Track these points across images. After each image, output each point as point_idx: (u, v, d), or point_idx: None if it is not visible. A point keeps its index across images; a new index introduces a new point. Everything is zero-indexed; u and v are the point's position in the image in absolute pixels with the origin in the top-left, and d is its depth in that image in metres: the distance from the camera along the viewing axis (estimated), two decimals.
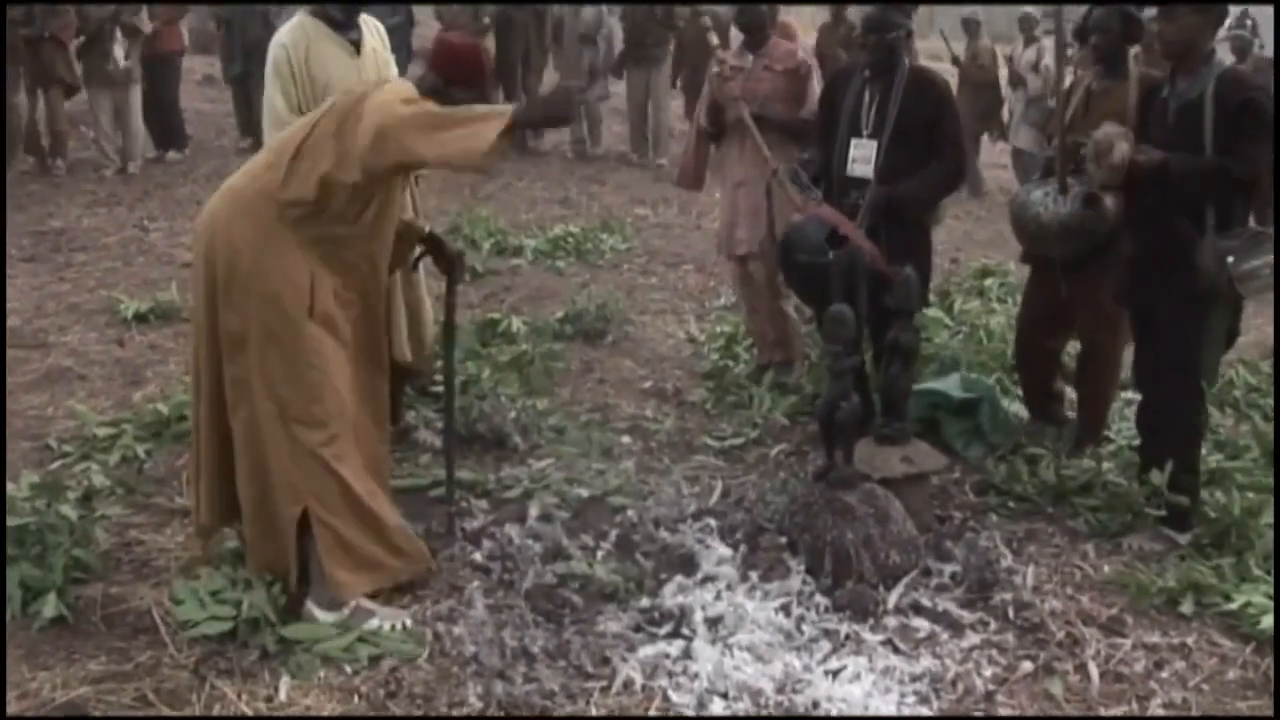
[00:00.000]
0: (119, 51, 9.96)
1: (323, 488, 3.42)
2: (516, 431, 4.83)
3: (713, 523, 4.13)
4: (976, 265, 7.81)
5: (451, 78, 3.58)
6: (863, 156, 4.67)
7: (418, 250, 3.96)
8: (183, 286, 6.64)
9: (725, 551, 3.91)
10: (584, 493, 4.35)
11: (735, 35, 5.93)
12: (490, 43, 11.62)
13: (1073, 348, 5.18)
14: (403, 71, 10.46)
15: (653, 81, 11.45)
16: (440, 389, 4.66)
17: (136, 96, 10.43)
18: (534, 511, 4.20)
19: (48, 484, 4.09)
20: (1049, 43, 11.36)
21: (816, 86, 5.26)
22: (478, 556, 3.88)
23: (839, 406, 3.99)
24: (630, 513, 4.20)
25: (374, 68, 4.43)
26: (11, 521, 3.65)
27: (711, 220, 9.46)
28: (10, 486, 4.01)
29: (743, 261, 5.54)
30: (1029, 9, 11.71)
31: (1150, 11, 4.76)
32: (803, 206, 4.66)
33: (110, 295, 6.80)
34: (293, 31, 4.37)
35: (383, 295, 3.69)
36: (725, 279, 7.48)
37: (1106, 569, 3.98)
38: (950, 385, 5.09)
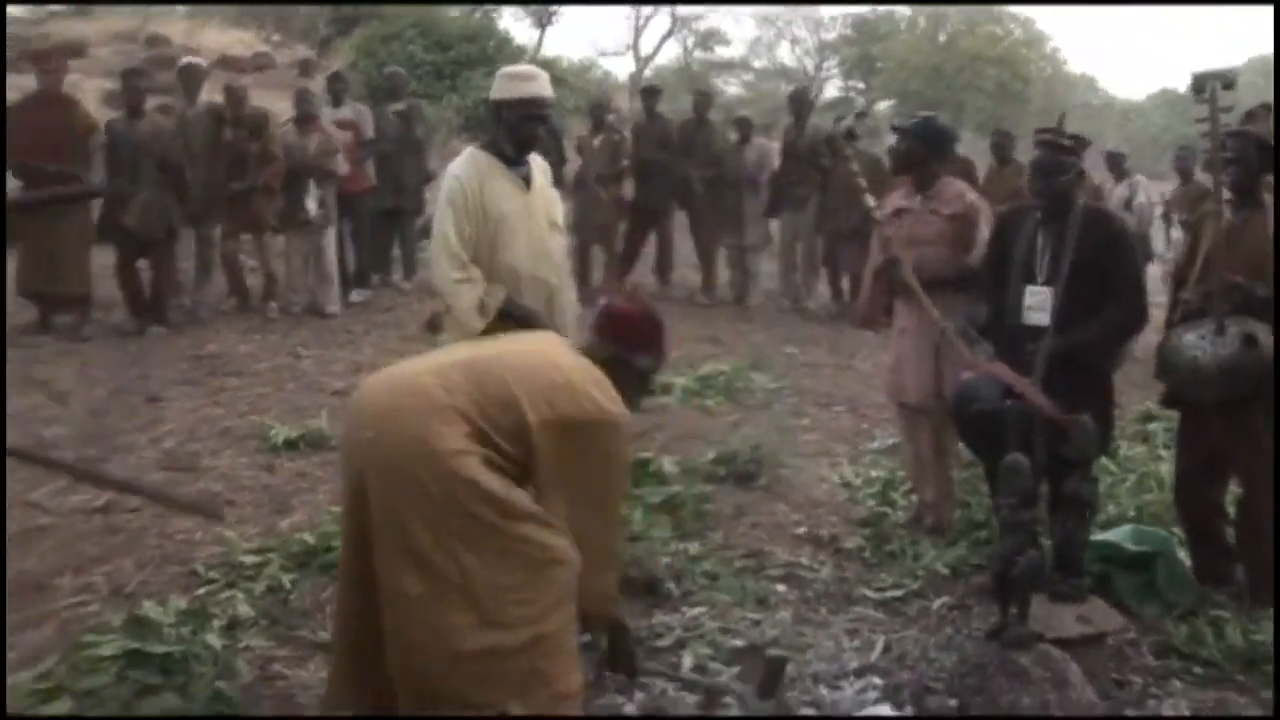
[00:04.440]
0: (311, 201, 10.24)
1: None
2: (669, 576, 4.69)
3: (876, 680, 3.91)
4: (1139, 409, 7.47)
5: (632, 347, 3.52)
6: (1038, 304, 4.50)
7: None
8: (332, 415, 6.72)
9: (891, 713, 3.69)
10: (739, 643, 4.17)
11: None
12: (629, 188, 11.74)
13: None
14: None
15: (800, 222, 11.40)
16: None
17: (330, 240, 10.55)
18: (688, 662, 4.03)
19: (194, 611, 4.08)
20: (1142, 179, 11.09)
21: (985, 230, 5.11)
22: (630, 709, 3.72)
23: (1014, 561, 3.79)
24: (789, 666, 4.00)
25: (543, 204, 4.46)
26: (158, 648, 3.64)
27: (862, 359, 9.34)
28: (158, 611, 4.00)
29: (910, 410, 5.37)
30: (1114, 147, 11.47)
31: None
32: (974, 364, 4.50)
33: (261, 421, 6.90)
34: (466, 165, 4.43)
35: None
36: (878, 421, 7.32)
37: None
38: (1122, 537, 4.82)
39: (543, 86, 4.41)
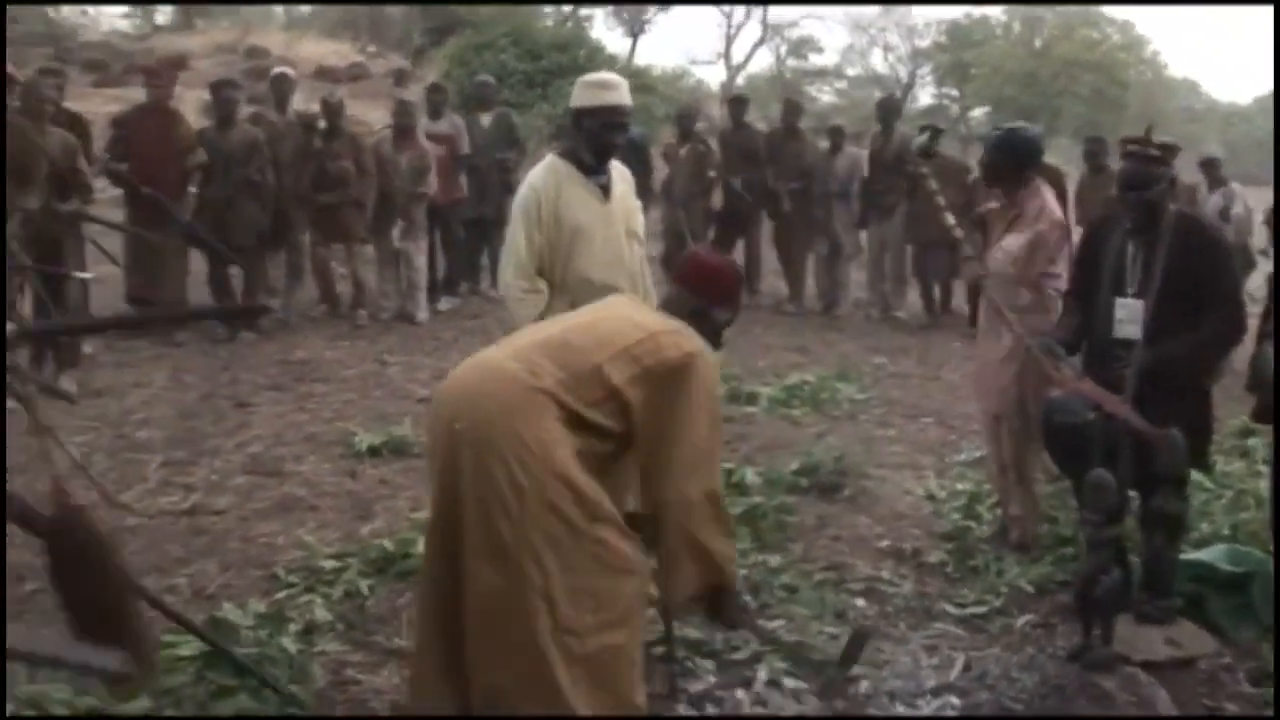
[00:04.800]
0: (395, 233, 10.37)
1: None
2: (746, 589, 4.62)
3: (954, 700, 3.82)
4: (1236, 423, 7.23)
5: (711, 299, 3.57)
6: (1129, 317, 4.36)
7: None
8: (416, 422, 6.76)
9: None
10: (816, 657, 4.10)
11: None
12: (716, 197, 11.68)
13: None
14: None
15: (888, 232, 11.28)
16: None
17: (420, 249, 10.66)
18: (762, 676, 3.97)
19: (272, 614, 4.12)
20: (1237, 187, 10.74)
21: (1069, 243, 4.99)
22: None
23: (1097, 580, 3.69)
24: (865, 683, 3.94)
25: (622, 214, 4.44)
26: (235, 650, 3.69)
27: (951, 370, 9.20)
28: (237, 613, 4.07)
29: (994, 416, 5.27)
30: (1213, 152, 11.12)
31: None
32: (1060, 381, 4.38)
33: (346, 427, 6.97)
34: (543, 174, 4.42)
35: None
36: (966, 433, 7.19)
37: None
38: (1217, 556, 4.64)
39: (622, 94, 4.39)
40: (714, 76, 42.33)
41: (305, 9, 32.17)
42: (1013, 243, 5.03)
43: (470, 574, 3.20)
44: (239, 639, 3.85)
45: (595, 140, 4.34)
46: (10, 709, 3.50)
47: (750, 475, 5.96)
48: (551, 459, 3.15)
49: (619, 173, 4.50)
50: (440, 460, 3.30)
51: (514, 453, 3.13)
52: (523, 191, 4.39)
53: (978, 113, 41.20)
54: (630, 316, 3.51)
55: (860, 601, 4.69)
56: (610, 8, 35.87)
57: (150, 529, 5.26)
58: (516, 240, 4.37)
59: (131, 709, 3.50)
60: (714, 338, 3.66)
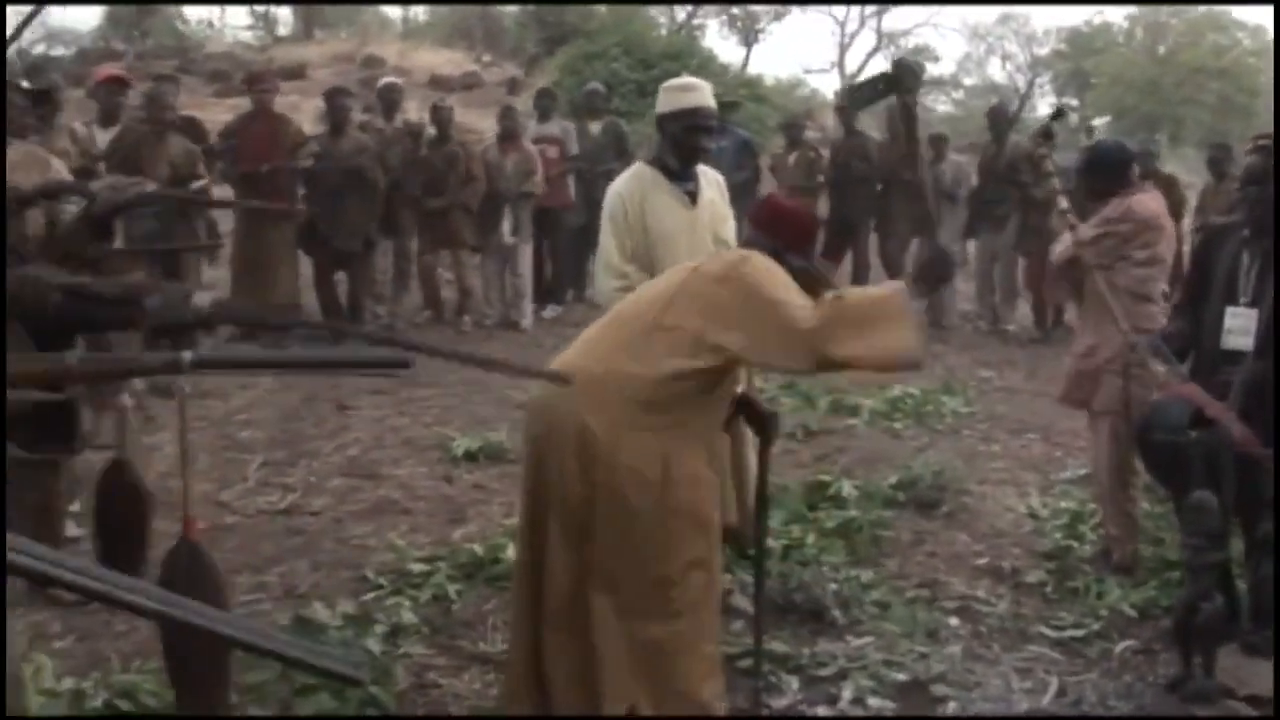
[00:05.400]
0: (506, 226, 10.43)
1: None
2: (836, 604, 4.53)
3: None
4: None
5: (787, 242, 3.46)
6: (1240, 327, 4.18)
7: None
8: (513, 428, 6.77)
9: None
10: (903, 677, 4.01)
11: None
12: (824, 207, 11.55)
13: None
14: (745, 228, 10.59)
15: (998, 242, 11.04)
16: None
17: (526, 256, 10.73)
18: (847, 694, 3.90)
19: (358, 615, 4.15)
20: None
21: (1166, 250, 4.81)
22: None
23: (1198, 608, 3.53)
24: (953, 704, 3.83)
25: (709, 220, 4.38)
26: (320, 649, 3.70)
27: (1060, 386, 8.93)
28: (325, 613, 4.12)
29: (1093, 418, 5.11)
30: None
31: None
32: (1164, 383, 4.22)
33: (444, 432, 7.01)
34: (629, 180, 4.39)
35: (720, 470, 3.54)
36: (1072, 450, 6.99)
37: None
38: None
39: (704, 97, 4.33)
40: (828, 86, 42.07)
41: (421, 18, 32.65)
42: (1085, 231, 4.89)
43: (549, 572, 3.24)
44: (326, 638, 3.88)
45: (679, 145, 4.29)
46: (103, 697, 3.58)
47: (847, 488, 5.87)
48: (620, 447, 3.16)
49: (709, 178, 4.45)
50: (528, 466, 3.38)
51: (585, 445, 3.17)
52: (609, 199, 4.36)
53: (1098, 122, 40.27)
54: (680, 266, 3.51)
55: (953, 620, 4.57)
56: (723, 17, 35.89)
57: (247, 527, 5.34)
58: (608, 247, 4.34)
59: None
60: None
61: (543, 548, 3.28)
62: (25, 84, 6.06)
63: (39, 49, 24.89)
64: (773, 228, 3.51)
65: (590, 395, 3.18)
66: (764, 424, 3.75)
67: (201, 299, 2.38)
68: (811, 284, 3.37)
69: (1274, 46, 9.25)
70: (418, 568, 4.83)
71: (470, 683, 3.94)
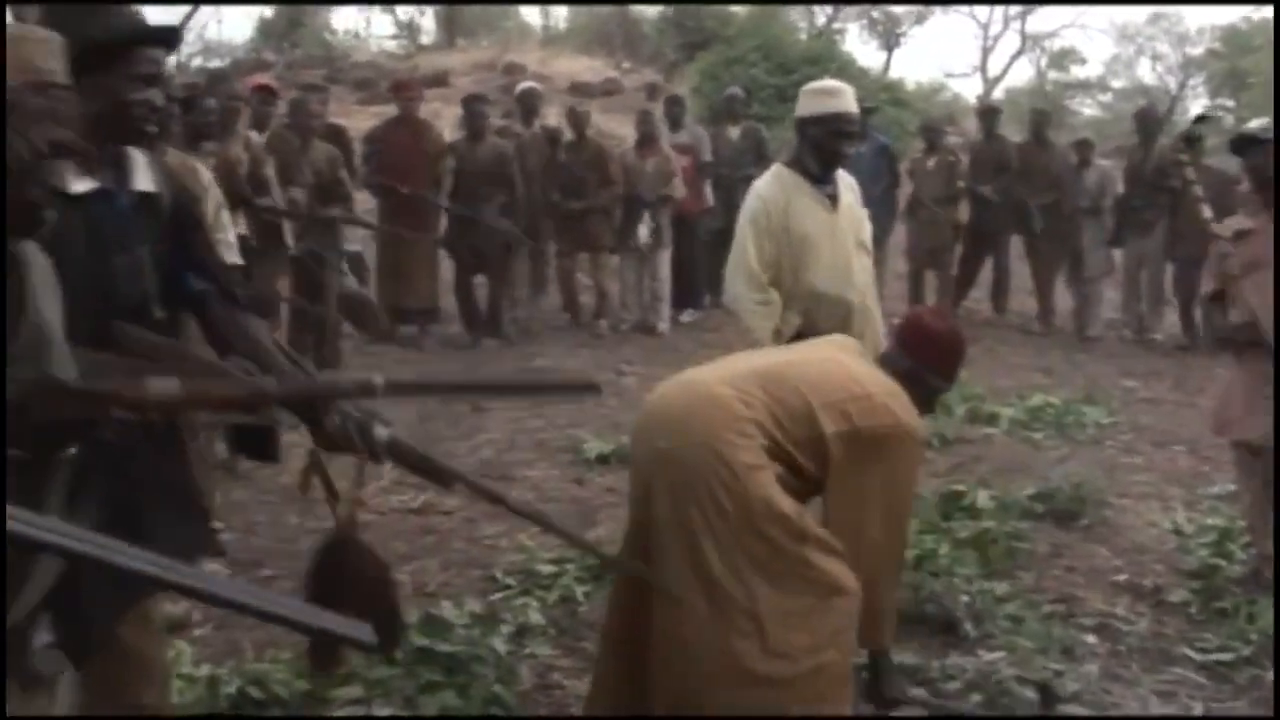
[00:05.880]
0: (643, 229, 10.47)
1: None
2: (968, 617, 4.43)
3: None
4: None
5: (930, 365, 3.47)
6: None
7: None
8: None
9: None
10: (1036, 695, 3.89)
11: None
12: (964, 211, 11.32)
13: None
14: (885, 235, 10.46)
15: (1147, 249, 10.69)
16: None
17: (665, 260, 10.76)
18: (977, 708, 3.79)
19: (485, 615, 4.19)
20: None
21: None
22: None
23: None
24: None
25: (850, 224, 4.35)
26: (445, 648, 3.80)
27: (1208, 397, 8.62)
28: (453, 612, 4.16)
29: (1246, 447, 4.89)
30: None
31: None
32: None
33: (577, 435, 7.04)
34: (770, 184, 4.38)
35: None
36: (1221, 464, 6.73)
37: None
38: None
39: (846, 101, 4.29)
40: (971, 90, 41.30)
41: (561, 26, 33.00)
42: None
43: (662, 599, 3.18)
44: (452, 637, 3.92)
45: (821, 149, 4.26)
46: (236, 684, 3.67)
47: (983, 498, 5.73)
48: (754, 483, 3.10)
49: (845, 182, 4.41)
50: (639, 477, 3.33)
51: (717, 476, 3.10)
52: (750, 202, 4.35)
53: (1254, 125, 38.82)
54: (849, 369, 3.42)
55: (1090, 638, 4.42)
56: (864, 21, 35.55)
57: (380, 525, 5.43)
58: (746, 251, 4.34)
59: (343, 694, 3.62)
60: (925, 403, 3.53)
61: (649, 563, 3.24)
62: (174, 91, 6.27)
63: (196, 61, 25.77)
64: (915, 347, 3.49)
65: (731, 429, 3.14)
66: None
67: (381, 432, 2.49)
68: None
69: (1274, 46, 8.86)
70: (546, 569, 4.86)
71: None
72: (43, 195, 2.02)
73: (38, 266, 2.16)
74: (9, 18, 2.69)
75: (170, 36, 2.71)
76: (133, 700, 2.60)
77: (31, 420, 1.99)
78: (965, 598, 4.55)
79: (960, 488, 5.88)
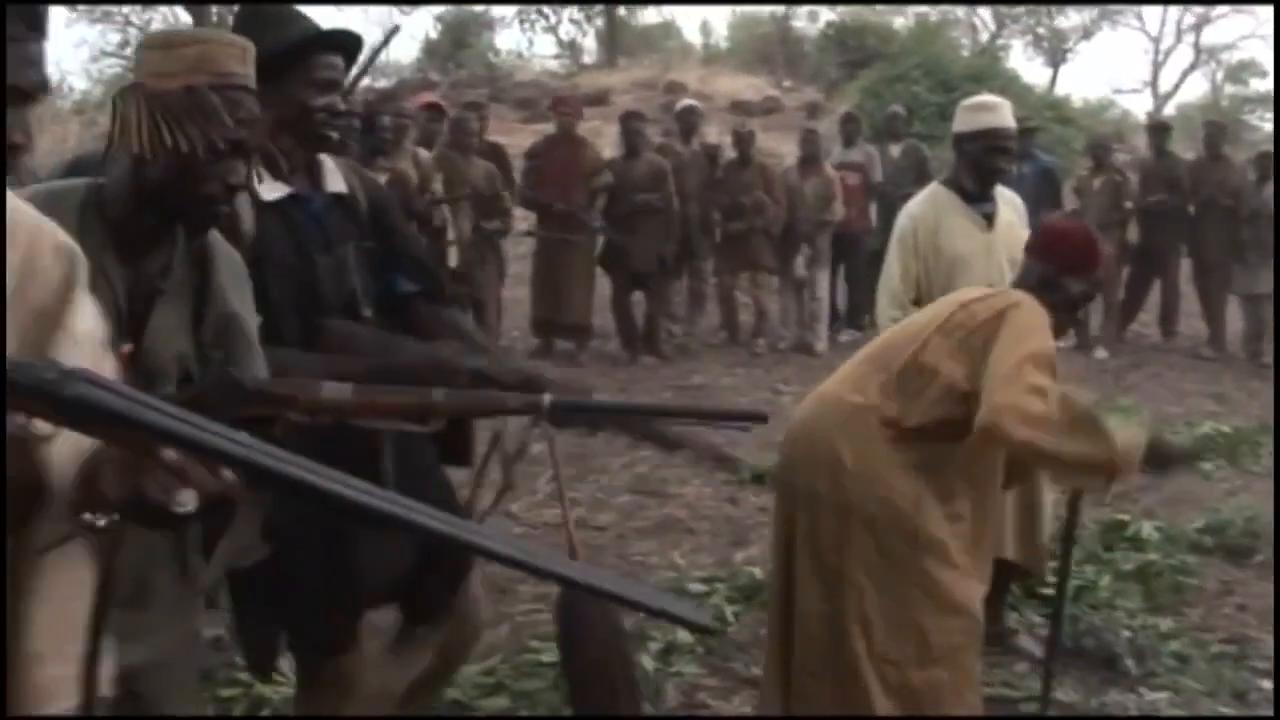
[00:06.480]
0: (800, 263, 10.49)
1: None
2: (1129, 653, 4.27)
3: None
4: None
5: (1063, 266, 3.30)
6: None
7: None
8: None
9: None
10: None
11: None
12: (1133, 231, 10.97)
13: None
14: None
15: None
16: (1051, 592, 4.24)
17: (824, 279, 10.73)
18: None
19: (633, 631, 4.19)
20: None
21: None
22: None
23: None
24: None
25: (1006, 244, 4.24)
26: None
27: None
28: None
29: None
30: None
31: None
32: None
33: (731, 453, 7.03)
34: (923, 203, 4.33)
35: (992, 512, 3.37)
36: None
37: None
38: None
39: (1003, 117, 4.20)
40: (1140, 106, 40.04)
41: (722, 45, 33.08)
42: None
43: (800, 599, 3.20)
44: None
45: (977, 165, 4.19)
46: None
47: (1148, 529, 5.55)
48: (873, 480, 3.08)
49: (1007, 201, 4.31)
50: (779, 489, 3.41)
51: (835, 476, 3.11)
52: (901, 220, 4.31)
53: None
54: (950, 299, 3.37)
55: (1264, 683, 4.20)
56: (1029, 37, 34.82)
57: (533, 539, 5.49)
58: (891, 270, 4.30)
59: (491, 706, 3.67)
60: (1066, 311, 3.36)
61: (791, 579, 3.25)
62: (354, 108, 6.48)
63: (364, 81, 26.52)
64: (1048, 251, 3.36)
65: (845, 426, 3.14)
66: None
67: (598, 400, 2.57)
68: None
69: (1274, 46, 8.28)
70: (696, 587, 4.86)
71: (740, 706, 3.92)
72: (220, 190, 2.09)
73: (224, 259, 2.25)
74: (190, 21, 2.81)
75: (349, 42, 2.78)
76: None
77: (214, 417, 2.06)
78: (1127, 633, 4.40)
79: (1124, 518, 5.71)
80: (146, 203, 2.09)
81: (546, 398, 2.38)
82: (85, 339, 1.64)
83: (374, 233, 2.80)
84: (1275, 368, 3.75)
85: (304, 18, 2.75)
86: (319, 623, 2.72)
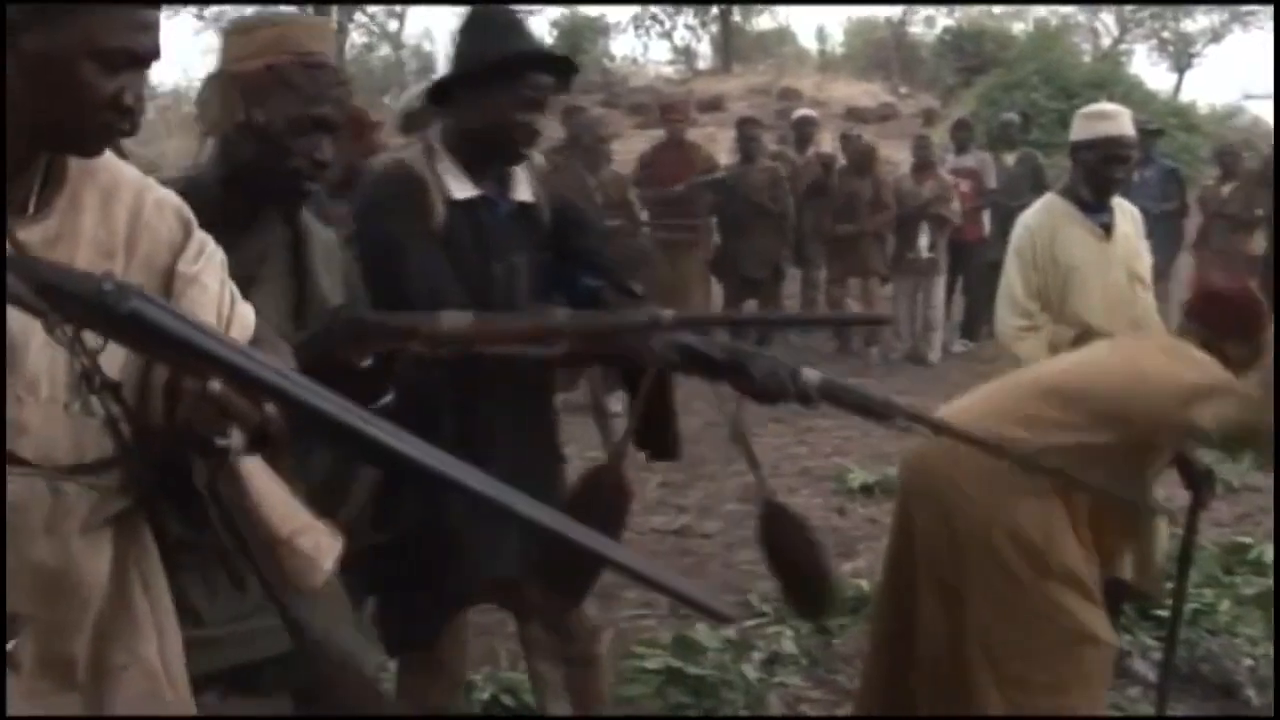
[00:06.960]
0: (923, 241, 10.35)
1: None
2: (1251, 683, 4.13)
3: None
4: None
5: (1221, 330, 3.22)
6: None
7: None
8: None
9: None
10: None
11: None
12: (1260, 241, 10.63)
13: None
14: (1168, 264, 9.95)
15: None
16: (1165, 613, 4.14)
17: (939, 288, 10.63)
18: None
19: (738, 640, 4.19)
20: None
21: None
22: None
23: None
24: None
25: (1123, 254, 4.16)
26: (695, 670, 3.85)
27: None
28: (706, 635, 4.18)
29: None
30: None
31: None
32: None
33: (842, 464, 6.98)
34: (1039, 213, 4.26)
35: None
36: None
37: None
38: None
39: (1122, 125, 4.11)
40: (1272, 113, 38.75)
41: (838, 51, 32.88)
42: None
43: (921, 633, 3.17)
44: (704, 660, 3.95)
45: (1094, 175, 4.10)
46: (490, 691, 3.78)
47: (1271, 553, 5.37)
48: (995, 508, 3.04)
49: (1124, 211, 4.23)
50: (896, 518, 3.39)
51: (954, 502, 3.09)
52: (1017, 232, 4.25)
53: None
54: (1098, 344, 3.40)
55: None
56: (1153, 42, 34.00)
57: (639, 544, 5.50)
58: (1012, 282, 4.24)
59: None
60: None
61: (910, 606, 3.22)
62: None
63: None
64: (1203, 315, 3.30)
65: (970, 454, 3.05)
66: (1196, 480, 3.51)
67: (810, 375, 2.51)
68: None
69: (1274, 46, 7.78)
70: None
71: None
72: (307, 165, 2.12)
73: (318, 240, 2.29)
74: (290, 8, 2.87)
75: (565, 66, 2.81)
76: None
77: (336, 362, 2.12)
78: (1248, 661, 4.26)
79: (1246, 540, 5.55)
80: (236, 184, 2.13)
81: (668, 313, 2.37)
82: (213, 287, 1.68)
83: (556, 241, 2.84)
84: (1275, 367, 3.61)
85: (526, 32, 2.81)
86: (416, 611, 2.74)
